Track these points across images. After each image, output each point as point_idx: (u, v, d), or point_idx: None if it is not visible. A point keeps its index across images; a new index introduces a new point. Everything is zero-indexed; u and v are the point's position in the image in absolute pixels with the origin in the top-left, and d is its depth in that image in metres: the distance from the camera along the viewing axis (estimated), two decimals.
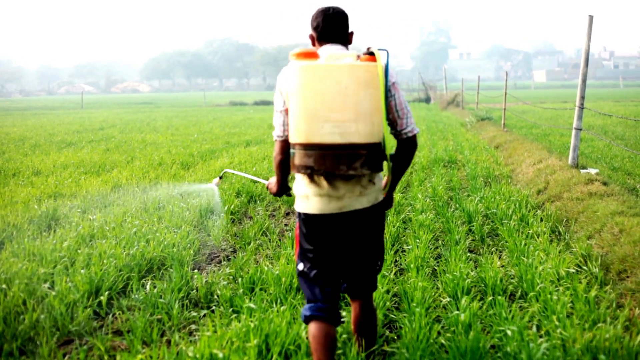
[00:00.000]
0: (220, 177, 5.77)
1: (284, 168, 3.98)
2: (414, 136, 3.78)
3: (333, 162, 3.50)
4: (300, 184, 3.75)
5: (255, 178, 5.42)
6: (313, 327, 3.69)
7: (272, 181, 4.19)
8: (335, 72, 3.50)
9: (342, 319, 4.02)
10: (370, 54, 3.58)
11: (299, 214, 3.79)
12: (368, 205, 3.70)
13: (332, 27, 3.79)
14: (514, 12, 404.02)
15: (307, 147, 3.53)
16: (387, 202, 4.00)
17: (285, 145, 3.89)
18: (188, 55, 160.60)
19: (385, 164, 3.75)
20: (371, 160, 3.55)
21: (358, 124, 3.49)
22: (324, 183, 3.64)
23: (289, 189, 4.17)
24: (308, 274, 3.79)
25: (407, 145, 3.79)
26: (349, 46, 3.88)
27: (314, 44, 3.90)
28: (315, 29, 3.84)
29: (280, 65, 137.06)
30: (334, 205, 3.65)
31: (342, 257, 3.80)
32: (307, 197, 3.70)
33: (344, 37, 3.83)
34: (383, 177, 3.94)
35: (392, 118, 3.75)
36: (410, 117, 3.76)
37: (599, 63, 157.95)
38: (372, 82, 3.52)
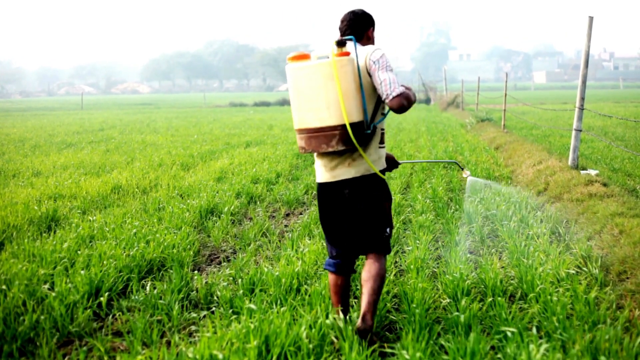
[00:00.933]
0: (462, 169, 6.06)
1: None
2: (399, 95, 4.25)
3: (316, 142, 4.27)
4: (315, 159, 4.60)
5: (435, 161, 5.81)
6: (329, 276, 4.65)
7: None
8: (307, 71, 4.24)
9: (354, 272, 4.70)
10: (341, 45, 4.22)
11: (317, 184, 4.63)
12: (357, 176, 4.40)
13: (347, 27, 4.56)
14: (513, 13, 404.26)
15: (300, 131, 4.36)
16: (374, 176, 4.49)
17: None
18: (188, 56, 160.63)
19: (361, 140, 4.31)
20: (345, 137, 4.20)
21: (330, 110, 4.20)
22: (322, 158, 4.47)
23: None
24: (325, 236, 4.67)
25: (395, 108, 4.28)
26: (361, 41, 4.57)
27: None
28: (339, 29, 4.62)
29: (280, 67, 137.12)
30: (329, 174, 4.46)
31: (344, 222, 4.50)
32: (316, 170, 4.59)
33: (360, 33, 4.55)
34: (377, 153, 4.49)
35: (378, 92, 4.35)
36: (388, 84, 4.27)
37: (599, 64, 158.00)
38: (328, 75, 4.18)
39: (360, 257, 5.58)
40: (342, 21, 4.59)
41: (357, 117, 4.23)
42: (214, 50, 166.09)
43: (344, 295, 4.61)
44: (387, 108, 4.59)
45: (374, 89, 4.37)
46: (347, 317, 4.55)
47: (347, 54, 4.21)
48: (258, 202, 9.63)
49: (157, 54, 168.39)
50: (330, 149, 4.24)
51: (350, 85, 4.21)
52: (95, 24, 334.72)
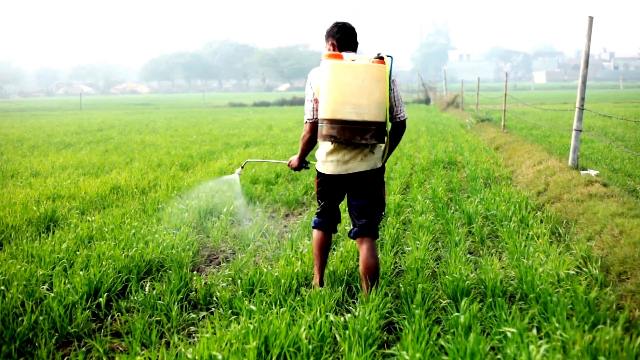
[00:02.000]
0: (242, 167, 6.48)
1: (310, 144, 5.29)
2: (404, 120, 5.12)
3: (351, 133, 4.78)
4: (321, 151, 5.14)
5: (275, 161, 6.77)
6: (315, 232, 5.46)
7: (293, 158, 5.56)
8: (355, 69, 4.76)
9: (335, 232, 5.55)
10: (380, 58, 4.80)
11: (318, 172, 5.26)
12: (368, 169, 5.06)
13: (348, 38, 5.10)
14: (513, 13, 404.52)
15: (333, 122, 4.79)
16: (380, 170, 5.21)
17: (314, 126, 5.16)
18: (187, 56, 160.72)
19: (385, 138, 4.98)
20: (377, 133, 4.83)
21: (370, 108, 4.76)
22: (337, 151, 5.01)
23: (307, 163, 5.55)
24: (319, 205, 5.44)
25: (400, 126, 5.12)
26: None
27: (334, 49, 5.10)
28: (336, 38, 5.09)
29: (280, 67, 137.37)
30: (342, 168, 5.05)
31: (346, 202, 5.32)
32: (324, 162, 5.13)
33: (355, 46, 5.15)
34: (380, 150, 5.14)
35: (391, 106, 5.01)
36: (402, 106, 5.09)
37: (599, 64, 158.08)
38: (381, 78, 4.76)
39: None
40: (345, 32, 5.10)
41: (384, 118, 4.86)
42: (213, 51, 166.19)
43: (325, 249, 5.42)
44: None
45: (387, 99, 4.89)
46: (323, 276, 5.49)
47: (384, 62, 4.80)
48: (257, 203, 9.63)
49: (157, 54, 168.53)
50: (363, 142, 4.79)
51: (386, 91, 4.82)
52: (95, 24, 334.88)
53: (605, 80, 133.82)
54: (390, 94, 4.93)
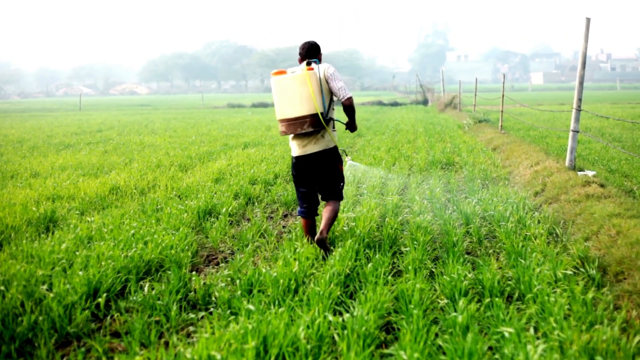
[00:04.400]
0: (347, 154, 7.68)
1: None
2: (348, 98, 6.54)
3: (293, 127, 6.44)
4: (290, 141, 6.74)
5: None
6: (301, 220, 6.90)
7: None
8: (286, 80, 6.44)
9: (317, 215, 6.92)
10: (309, 65, 6.52)
11: (292, 157, 6.78)
12: (320, 150, 6.61)
13: (309, 53, 6.74)
14: (511, 15, 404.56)
15: (282, 120, 6.49)
16: (351, 127, 6.89)
17: None
18: (186, 57, 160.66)
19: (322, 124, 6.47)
20: (313, 122, 6.38)
21: (301, 106, 6.37)
22: (297, 139, 6.62)
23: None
24: (298, 194, 6.89)
25: (346, 104, 6.60)
26: (318, 63, 6.63)
27: (301, 59, 6.77)
28: (300, 54, 6.80)
29: (278, 67, 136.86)
30: (302, 150, 6.62)
31: (314, 182, 6.74)
32: (292, 148, 6.74)
33: (315, 56, 6.72)
34: (330, 135, 6.62)
35: (335, 93, 6.60)
36: (342, 89, 6.53)
37: (596, 65, 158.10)
38: (304, 82, 6.34)
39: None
40: (302, 48, 6.77)
41: (318, 109, 6.36)
42: (212, 52, 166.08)
43: (312, 230, 6.84)
44: (334, 106, 6.79)
45: (328, 91, 6.58)
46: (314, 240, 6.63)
47: (312, 68, 6.41)
48: (256, 203, 9.64)
49: (156, 55, 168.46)
50: (302, 131, 6.41)
51: (316, 89, 6.37)
52: (94, 25, 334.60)
53: (603, 81, 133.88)
54: (327, 86, 6.54)
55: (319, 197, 6.87)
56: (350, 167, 8.08)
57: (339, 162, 6.78)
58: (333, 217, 6.65)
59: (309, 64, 6.51)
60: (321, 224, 6.55)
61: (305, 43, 6.76)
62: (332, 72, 6.53)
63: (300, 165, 6.69)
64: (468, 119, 24.48)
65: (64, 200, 9.37)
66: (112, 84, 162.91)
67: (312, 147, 6.57)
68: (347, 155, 7.60)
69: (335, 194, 6.76)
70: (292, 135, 6.63)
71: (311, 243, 6.67)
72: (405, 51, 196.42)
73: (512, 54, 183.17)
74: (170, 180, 11.19)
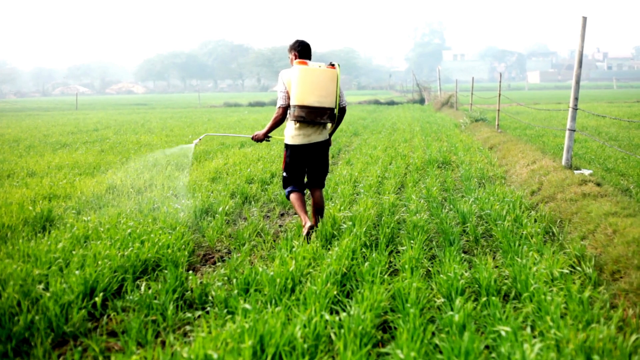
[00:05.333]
0: (200, 139, 8.31)
1: (279, 123, 7.35)
2: (346, 106, 7.31)
3: (314, 114, 7.02)
4: (290, 129, 7.31)
5: (237, 135, 9.36)
6: (292, 195, 7.43)
7: (259, 132, 7.58)
8: (318, 72, 6.98)
9: (305, 191, 7.64)
10: (332, 65, 7.07)
11: (287, 145, 7.37)
12: (322, 140, 7.34)
13: (305, 52, 7.29)
14: (507, 14, 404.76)
15: (302, 107, 6.99)
16: (329, 141, 7.46)
17: (284, 110, 7.24)
18: (183, 56, 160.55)
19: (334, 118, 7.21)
20: (330, 115, 7.10)
21: (327, 98, 7.01)
22: (303, 128, 7.20)
23: (269, 137, 7.62)
24: (288, 178, 7.49)
25: (343, 110, 7.31)
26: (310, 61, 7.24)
27: (296, 58, 7.22)
28: (297, 51, 7.25)
29: (275, 66, 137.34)
30: (307, 139, 7.26)
31: (306, 168, 7.45)
32: (293, 136, 7.28)
33: (309, 56, 7.30)
34: (328, 128, 7.40)
35: (340, 97, 7.18)
36: (344, 96, 7.32)
37: (593, 64, 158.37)
38: (333, 78, 7.02)
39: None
40: (299, 45, 7.27)
41: (334, 105, 7.09)
42: (208, 51, 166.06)
43: (304, 202, 7.42)
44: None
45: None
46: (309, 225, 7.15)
47: (335, 68, 7.05)
48: (253, 202, 9.64)
49: (152, 54, 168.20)
50: (321, 121, 7.07)
51: (336, 88, 7.05)
52: (90, 24, 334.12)
53: (599, 80, 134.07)
54: (338, 89, 7.10)
55: (307, 183, 7.61)
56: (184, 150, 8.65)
57: (328, 153, 7.60)
58: (322, 209, 7.57)
59: (332, 64, 7.08)
60: (313, 217, 7.53)
61: (301, 42, 7.26)
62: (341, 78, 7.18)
63: (301, 152, 7.31)
64: (465, 118, 24.50)
65: (60, 199, 9.36)
66: (109, 83, 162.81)
67: (316, 137, 7.26)
68: (199, 139, 8.59)
69: (322, 182, 7.55)
70: (297, 125, 7.20)
71: (306, 223, 7.20)
72: (401, 50, 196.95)
73: (509, 53, 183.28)
74: (167, 180, 11.18)
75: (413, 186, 10.42)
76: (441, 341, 4.34)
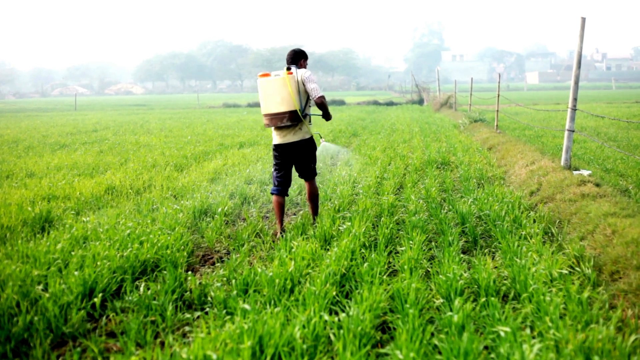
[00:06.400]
0: (321, 137, 8.84)
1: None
2: (319, 97, 7.67)
3: (275, 120, 7.60)
4: (273, 132, 7.90)
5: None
6: (273, 197, 7.96)
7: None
8: (270, 82, 7.60)
9: (287, 195, 8.15)
10: (288, 69, 7.68)
11: (273, 145, 7.96)
12: (298, 140, 7.80)
13: (291, 59, 7.89)
14: (506, 14, 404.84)
15: (265, 115, 7.65)
16: (326, 116, 8.03)
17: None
18: (181, 57, 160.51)
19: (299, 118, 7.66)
20: (291, 117, 7.57)
21: (281, 103, 7.56)
22: (278, 130, 7.79)
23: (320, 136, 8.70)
24: (274, 175, 8.01)
25: (318, 102, 7.71)
26: (298, 67, 7.85)
27: (287, 64, 7.86)
28: (286, 59, 7.91)
29: (273, 67, 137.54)
30: (282, 139, 7.80)
31: (291, 165, 7.98)
32: (273, 137, 7.90)
33: (296, 63, 7.88)
34: (307, 127, 7.80)
35: (309, 94, 7.74)
36: (315, 90, 7.68)
37: (592, 65, 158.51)
38: (284, 84, 7.54)
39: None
40: (288, 55, 7.91)
41: (296, 107, 7.57)
42: (207, 51, 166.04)
43: (282, 208, 7.94)
44: (311, 103, 7.88)
45: (305, 92, 7.73)
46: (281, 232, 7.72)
47: (291, 73, 7.60)
48: (252, 203, 9.64)
49: (151, 55, 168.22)
50: (282, 124, 7.60)
51: (294, 90, 7.58)
52: (89, 25, 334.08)
53: (598, 80, 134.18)
54: (303, 87, 7.69)
55: (298, 175, 8.23)
56: (323, 148, 8.88)
57: (314, 149, 8.06)
58: (316, 201, 8.18)
59: (288, 69, 7.69)
60: (311, 212, 8.17)
61: (291, 51, 7.99)
62: (308, 76, 7.72)
63: (281, 151, 7.88)
64: (463, 118, 24.50)
65: (59, 200, 9.36)
66: (108, 84, 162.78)
67: (291, 137, 7.77)
68: (321, 137, 8.65)
69: (310, 173, 8.07)
70: (274, 127, 7.75)
71: (280, 225, 7.90)
72: (400, 50, 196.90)
73: (508, 53, 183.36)
74: (166, 180, 11.18)
75: (412, 187, 10.42)
76: (440, 342, 4.34)
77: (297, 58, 7.93)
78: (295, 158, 7.93)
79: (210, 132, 23.34)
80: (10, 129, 26.99)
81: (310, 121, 7.91)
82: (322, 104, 7.76)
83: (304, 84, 7.72)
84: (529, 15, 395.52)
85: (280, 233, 7.74)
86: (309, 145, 7.93)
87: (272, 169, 8.18)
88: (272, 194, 7.97)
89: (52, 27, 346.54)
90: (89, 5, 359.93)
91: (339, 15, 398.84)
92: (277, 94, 7.56)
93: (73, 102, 59.37)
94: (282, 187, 7.95)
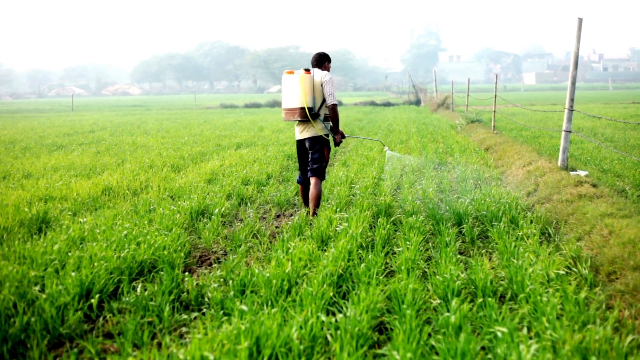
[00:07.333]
0: (383, 145, 9.95)
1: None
2: (333, 104, 8.26)
3: (289, 115, 8.33)
4: (295, 127, 8.56)
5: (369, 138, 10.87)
6: (299, 186, 8.86)
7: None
8: (290, 79, 8.29)
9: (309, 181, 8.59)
10: (307, 70, 8.24)
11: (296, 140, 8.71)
12: (311, 136, 8.37)
13: (314, 61, 8.51)
14: (503, 15, 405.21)
15: (283, 109, 8.45)
16: (335, 130, 8.47)
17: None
18: (179, 57, 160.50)
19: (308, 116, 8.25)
20: (301, 114, 8.21)
21: (295, 100, 8.22)
22: (296, 126, 8.51)
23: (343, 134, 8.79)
24: (299, 166, 8.80)
25: (330, 108, 8.28)
26: (322, 69, 8.50)
27: (312, 67, 8.49)
28: (311, 61, 8.51)
29: (270, 68, 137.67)
30: (300, 135, 8.46)
31: (306, 158, 8.62)
32: (295, 132, 8.57)
33: (320, 65, 8.50)
34: (319, 124, 8.33)
35: (325, 97, 8.28)
36: (332, 95, 8.27)
37: (589, 65, 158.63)
38: (299, 82, 8.16)
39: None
40: (313, 57, 8.53)
41: (308, 104, 8.18)
42: (204, 52, 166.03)
43: (306, 194, 8.74)
44: (325, 105, 8.36)
45: (321, 93, 8.27)
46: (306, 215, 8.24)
47: (309, 73, 8.23)
48: (249, 204, 9.64)
49: (148, 56, 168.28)
50: (294, 119, 8.27)
51: (307, 89, 8.17)
52: (86, 26, 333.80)
53: (595, 81, 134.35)
54: (320, 89, 8.25)
55: (307, 173, 8.66)
56: (389, 157, 9.46)
57: (325, 147, 8.49)
58: (316, 202, 8.45)
59: (307, 70, 8.24)
60: (310, 208, 8.45)
61: (316, 54, 8.56)
62: (328, 80, 8.28)
63: (299, 146, 8.65)
64: (460, 119, 24.52)
65: (56, 201, 9.35)
66: (105, 85, 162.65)
67: (305, 134, 8.38)
68: (384, 146, 9.52)
69: (317, 170, 8.41)
70: (296, 123, 8.48)
71: (310, 212, 8.46)
72: (397, 51, 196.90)
73: (505, 54, 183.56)
74: (163, 181, 11.17)
75: (409, 187, 10.42)
76: (437, 342, 4.34)
77: (322, 61, 8.53)
78: (306, 153, 8.61)
79: (207, 132, 23.34)
80: (7, 129, 26.96)
81: (325, 119, 8.42)
82: (332, 110, 8.28)
83: (322, 86, 8.28)
84: (526, 16, 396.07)
85: (312, 214, 8.37)
86: (318, 142, 8.39)
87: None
88: (297, 182, 8.98)
89: (49, 27, 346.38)
90: (86, 5, 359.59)
91: (336, 16, 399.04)
92: (293, 90, 8.23)
93: (70, 103, 59.31)
94: (303, 177, 8.77)
